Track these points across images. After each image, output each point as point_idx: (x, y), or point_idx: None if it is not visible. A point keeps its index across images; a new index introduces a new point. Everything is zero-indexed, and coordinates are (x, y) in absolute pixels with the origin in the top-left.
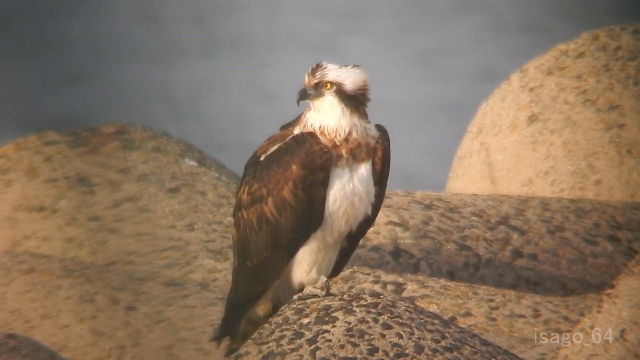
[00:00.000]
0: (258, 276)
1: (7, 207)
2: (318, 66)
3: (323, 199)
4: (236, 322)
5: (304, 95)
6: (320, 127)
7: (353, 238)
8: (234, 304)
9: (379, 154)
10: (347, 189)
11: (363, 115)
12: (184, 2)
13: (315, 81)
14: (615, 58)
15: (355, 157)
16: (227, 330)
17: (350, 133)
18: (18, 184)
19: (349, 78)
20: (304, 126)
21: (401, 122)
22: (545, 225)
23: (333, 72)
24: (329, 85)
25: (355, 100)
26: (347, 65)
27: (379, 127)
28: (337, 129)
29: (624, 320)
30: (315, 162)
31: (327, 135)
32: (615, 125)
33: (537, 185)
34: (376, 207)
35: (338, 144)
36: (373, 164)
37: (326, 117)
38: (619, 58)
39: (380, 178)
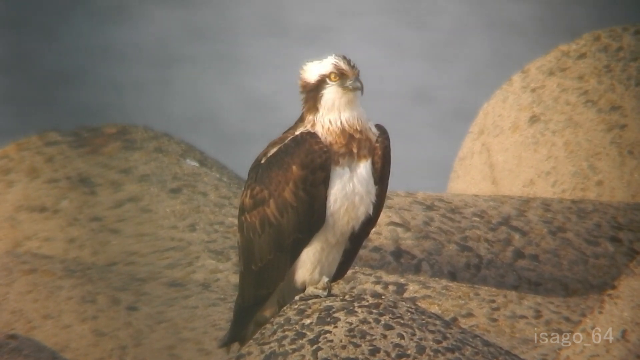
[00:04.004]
0: (263, 279)
1: (8, 208)
2: (345, 56)
3: (324, 198)
4: (244, 327)
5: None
6: (347, 119)
7: (356, 239)
8: (241, 309)
9: (379, 152)
10: (347, 188)
11: None
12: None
13: (357, 71)
14: (617, 59)
15: (358, 152)
16: (236, 335)
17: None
18: (20, 184)
19: None
20: (319, 124)
21: None
22: (546, 226)
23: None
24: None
25: None
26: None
27: (379, 127)
28: (357, 119)
29: (625, 320)
30: (315, 161)
31: (349, 128)
32: (617, 126)
33: (539, 186)
34: (378, 207)
35: (356, 136)
36: (373, 163)
37: (357, 109)
38: (621, 59)
39: (380, 177)
